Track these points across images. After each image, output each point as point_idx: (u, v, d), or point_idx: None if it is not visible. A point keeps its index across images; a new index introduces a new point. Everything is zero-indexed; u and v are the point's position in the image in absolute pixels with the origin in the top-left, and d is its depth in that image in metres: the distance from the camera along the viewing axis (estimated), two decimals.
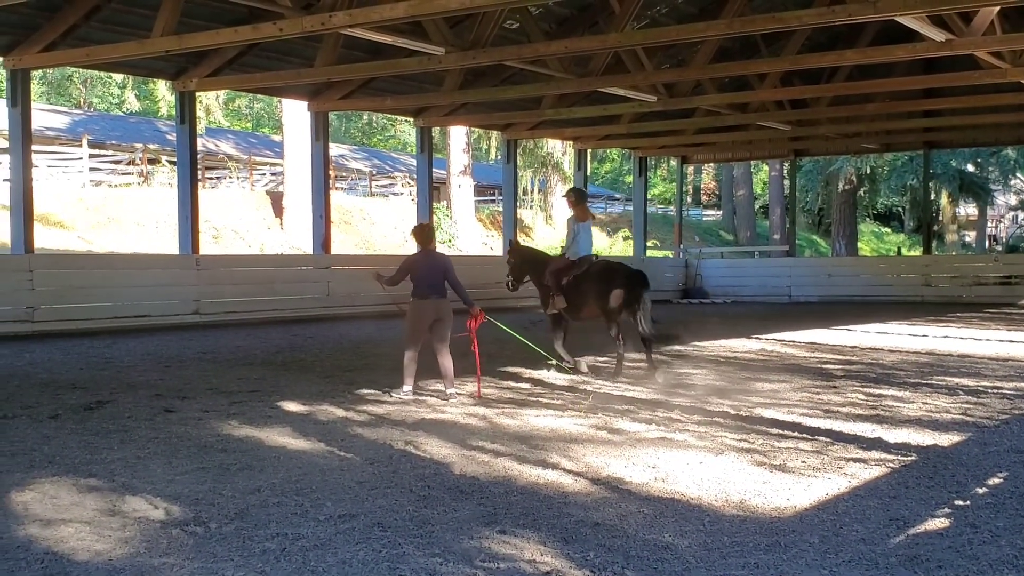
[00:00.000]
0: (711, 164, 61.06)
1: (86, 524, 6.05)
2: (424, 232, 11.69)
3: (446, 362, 11.21)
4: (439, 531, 5.99)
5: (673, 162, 43.10)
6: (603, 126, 29.70)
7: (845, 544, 5.73)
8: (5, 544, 5.65)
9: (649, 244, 39.20)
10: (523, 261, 13.80)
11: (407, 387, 11.08)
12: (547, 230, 51.61)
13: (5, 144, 26.70)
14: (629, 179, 56.61)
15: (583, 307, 13.36)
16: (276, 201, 39.11)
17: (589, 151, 36.90)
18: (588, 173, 37.83)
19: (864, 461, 7.90)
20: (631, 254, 37.25)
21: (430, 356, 11.34)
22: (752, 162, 57.52)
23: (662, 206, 70.21)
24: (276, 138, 54.17)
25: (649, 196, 44.04)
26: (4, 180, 30.47)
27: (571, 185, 44.16)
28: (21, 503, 6.51)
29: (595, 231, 48.91)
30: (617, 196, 72.63)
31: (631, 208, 42.04)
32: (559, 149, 49.71)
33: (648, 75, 21.12)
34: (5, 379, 12.25)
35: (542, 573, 5.24)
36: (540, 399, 11.09)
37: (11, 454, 7.94)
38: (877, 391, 11.76)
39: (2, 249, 25.05)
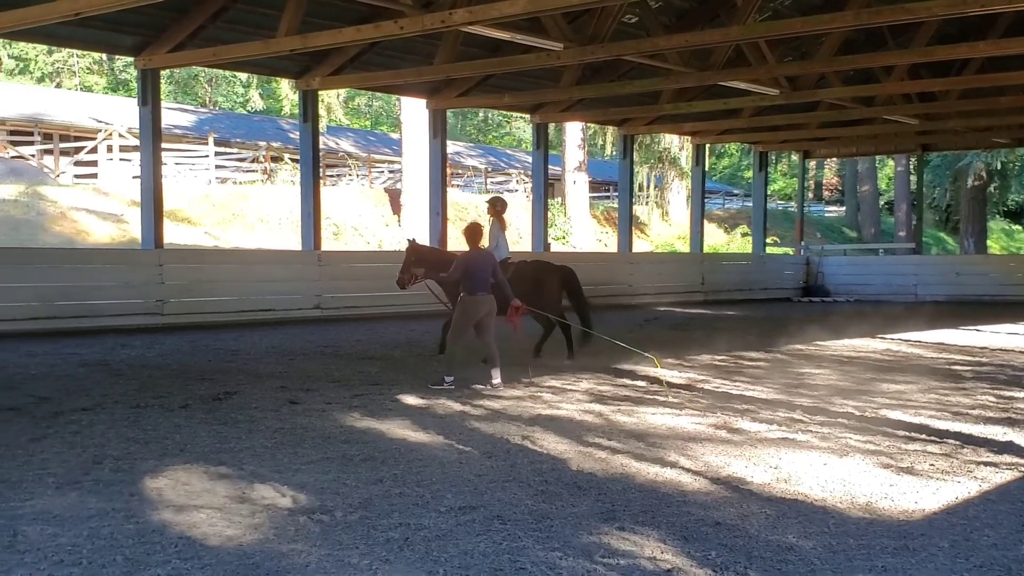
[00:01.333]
0: (834, 159, 59.78)
1: (217, 510, 6.24)
2: (476, 232, 11.91)
3: (495, 353, 11.64)
4: (558, 526, 6.01)
5: (794, 157, 42.34)
6: (722, 120, 29.32)
7: (976, 549, 5.58)
8: (141, 528, 5.87)
9: (768, 241, 38.61)
10: (421, 261, 13.40)
11: (452, 378, 11.42)
12: (663, 226, 51.20)
13: (136, 142, 27.60)
14: (748, 174, 55.82)
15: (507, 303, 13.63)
16: (394, 198, 39.62)
17: (707, 146, 36.53)
18: (706, 168, 37.44)
19: (995, 465, 7.68)
20: (750, 250, 36.78)
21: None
22: (877, 157, 56.18)
23: (782, 202, 69.06)
24: (394, 136, 54.91)
25: (769, 192, 43.38)
26: (135, 177, 31.55)
27: (687, 180, 43.68)
28: (155, 489, 6.75)
29: (712, 227, 48.46)
30: (735, 192, 71.73)
31: (750, 204, 41.46)
32: (676, 144, 49.25)
33: (770, 68, 20.79)
34: (138, 370, 12.69)
35: (663, 571, 5.23)
36: (656, 397, 11.02)
37: (144, 442, 8.23)
38: (1008, 393, 11.41)
39: (134, 244, 25.94)
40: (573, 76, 23.05)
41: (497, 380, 11.47)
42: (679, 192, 52.37)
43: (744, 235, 48.16)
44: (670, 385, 11.59)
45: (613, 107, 26.95)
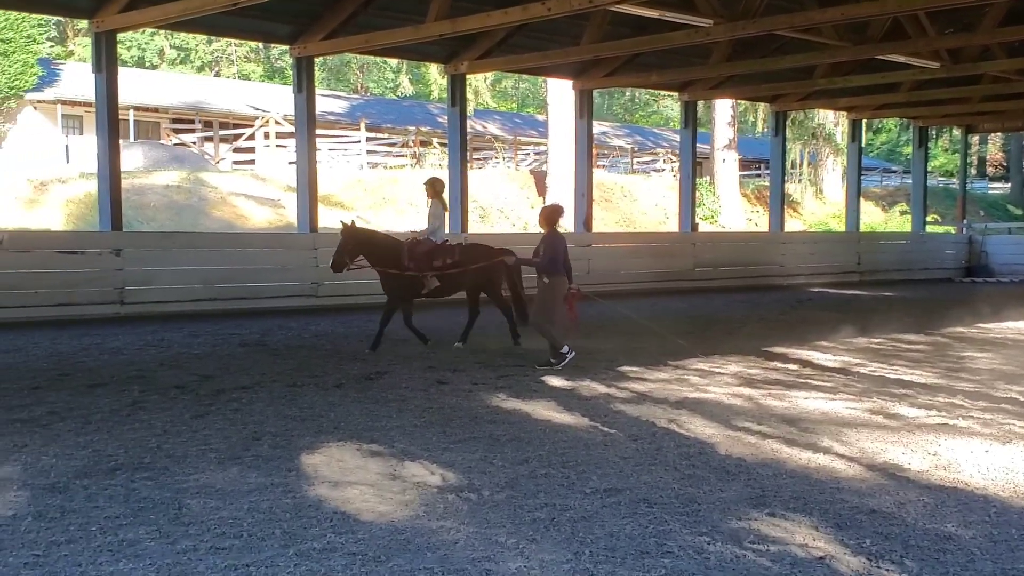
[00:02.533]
0: (998, 134, 57.35)
1: (369, 487, 6.41)
2: (557, 214, 11.93)
3: (553, 335, 11.61)
4: (706, 510, 5.97)
5: (956, 132, 40.81)
6: (880, 95, 28.40)
7: None
8: (298, 503, 6.07)
9: (928, 219, 37.34)
10: (358, 243, 12.93)
11: (566, 348, 11.45)
12: (816, 205, 50.01)
13: (291, 128, 28.33)
14: (907, 150, 54.09)
15: (459, 285, 13.39)
16: (539, 180, 39.74)
17: (864, 121, 35.47)
18: (863, 144, 36.39)
19: None
20: (909, 229, 35.64)
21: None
22: None
23: (943, 178, 66.67)
24: (540, 117, 55.03)
25: (929, 168, 41.84)
26: (291, 163, 32.44)
27: (843, 157, 42.57)
28: (311, 465, 6.97)
29: (868, 205, 47.11)
30: (894, 168, 69.56)
31: (909, 181, 40.16)
32: (831, 120, 47.98)
33: (930, 41, 20.06)
34: (294, 350, 13.08)
35: (815, 558, 5.15)
36: (809, 381, 10.82)
37: (301, 419, 8.50)
38: None
39: (290, 228, 26.69)
40: (723, 52, 22.68)
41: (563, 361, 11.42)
42: (834, 169, 51.05)
43: (903, 213, 46.69)
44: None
45: (765, 83, 26.41)
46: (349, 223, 13.03)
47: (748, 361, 12.20)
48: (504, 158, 47.68)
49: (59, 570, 4.94)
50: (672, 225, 37.37)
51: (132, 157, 35.46)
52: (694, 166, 27.18)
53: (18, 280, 15.69)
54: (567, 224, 32.42)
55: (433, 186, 13.54)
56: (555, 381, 10.60)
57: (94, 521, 5.67)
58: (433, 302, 14.30)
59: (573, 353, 11.42)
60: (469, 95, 30.69)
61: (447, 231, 14.31)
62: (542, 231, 11.87)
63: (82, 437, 7.70)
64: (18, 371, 10.95)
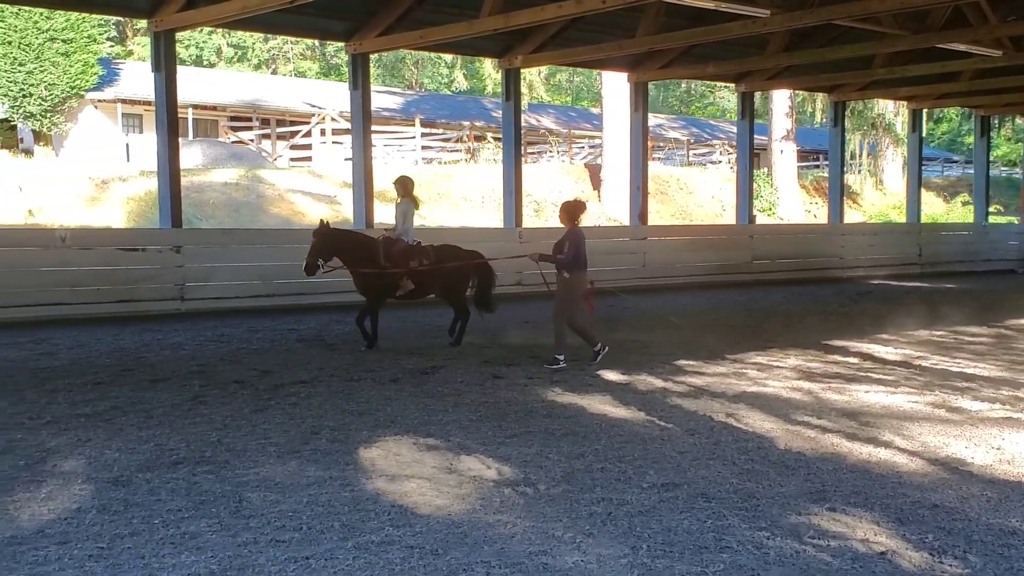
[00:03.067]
0: None
1: (426, 480, 6.44)
2: (579, 209, 11.70)
3: (574, 331, 11.54)
4: (765, 505, 5.93)
5: (1019, 120, 40.07)
6: (941, 84, 27.94)
7: None
8: (356, 496, 6.12)
9: (991, 210, 36.70)
10: (333, 245, 12.48)
11: (598, 346, 11.42)
12: (876, 196, 49.37)
13: (347, 125, 28.51)
14: (969, 139, 53.23)
15: (431, 288, 13.03)
16: (594, 173, 39.62)
17: (924, 111, 34.92)
18: (923, 134, 35.84)
19: None
20: (971, 220, 35.05)
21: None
22: None
23: (1006, 168, 65.41)
24: (595, 111, 54.87)
25: (992, 157, 41.10)
26: (346, 159, 32.65)
27: (903, 147, 42.00)
28: (368, 459, 7.02)
29: (929, 196, 46.43)
30: (955, 158, 68.43)
31: (971, 171, 39.48)
32: (891, 110, 47.33)
33: (992, 28, 19.68)
34: (351, 345, 13.15)
35: (876, 553, 5.09)
36: (870, 374, 10.69)
37: (358, 413, 8.56)
38: None
39: (345, 224, 26.87)
40: (780, 43, 22.44)
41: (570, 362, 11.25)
42: (894, 160, 50.33)
43: (965, 204, 45.96)
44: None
45: (823, 73, 26.08)
46: (323, 224, 12.61)
47: (807, 354, 12.09)
48: (558, 152, 47.61)
49: (123, 562, 5.02)
50: (729, 217, 37.08)
51: (191, 155, 35.92)
52: (751, 158, 26.93)
53: (80, 277, 15.94)
54: (623, 217, 32.34)
55: (403, 184, 13.14)
56: (611, 375, 10.58)
57: (157, 514, 5.76)
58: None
59: (565, 364, 11.16)
60: (523, 89, 30.66)
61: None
62: (563, 226, 11.61)
63: (144, 431, 7.82)
64: (81, 367, 11.13)
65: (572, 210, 11.57)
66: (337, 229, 13.14)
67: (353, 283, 12.96)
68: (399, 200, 13.23)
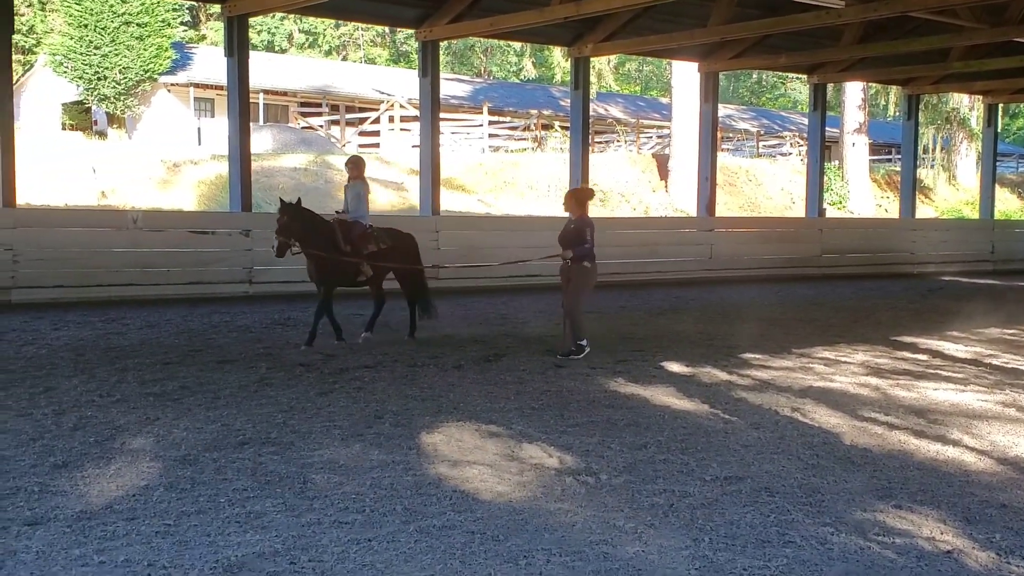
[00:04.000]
0: None
1: (488, 467, 6.46)
2: (589, 196, 11.59)
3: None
4: (829, 500, 5.87)
5: None
6: (1017, 79, 27.36)
7: None
8: (419, 480, 6.16)
9: None
10: (300, 224, 11.47)
11: (585, 341, 11.08)
12: (949, 191, 48.53)
13: (416, 112, 28.64)
14: None
15: (384, 274, 12.46)
16: (661, 164, 39.39)
17: (1000, 106, 34.22)
18: (999, 129, 35.11)
19: None
20: None
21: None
22: None
23: None
24: (664, 100, 54.52)
25: None
26: (414, 146, 32.80)
27: (977, 142, 41.17)
28: (431, 444, 7.05)
29: (1004, 192, 45.56)
30: None
31: None
32: (966, 104, 46.47)
33: None
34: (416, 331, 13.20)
35: (942, 552, 5.02)
36: (939, 371, 10.52)
37: (421, 399, 8.60)
38: None
39: (412, 211, 27.01)
40: (854, 34, 22.12)
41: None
42: (967, 155, 49.41)
43: None
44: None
45: (897, 66, 25.69)
46: (297, 202, 11.60)
47: (876, 350, 11.93)
48: (626, 141, 47.40)
49: (189, 539, 5.10)
50: (798, 210, 36.67)
51: (261, 140, 36.31)
52: (822, 150, 26.60)
53: (151, 258, 16.22)
54: (690, 208, 32.13)
55: (356, 165, 12.49)
56: (675, 367, 10.52)
57: (223, 493, 5.84)
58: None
59: (588, 348, 11.01)
60: (592, 78, 30.58)
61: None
62: (576, 215, 11.15)
63: (212, 412, 7.93)
64: (151, 347, 11.33)
65: (583, 197, 11.42)
66: (306, 209, 11.83)
67: (307, 270, 11.86)
68: (349, 181, 12.46)
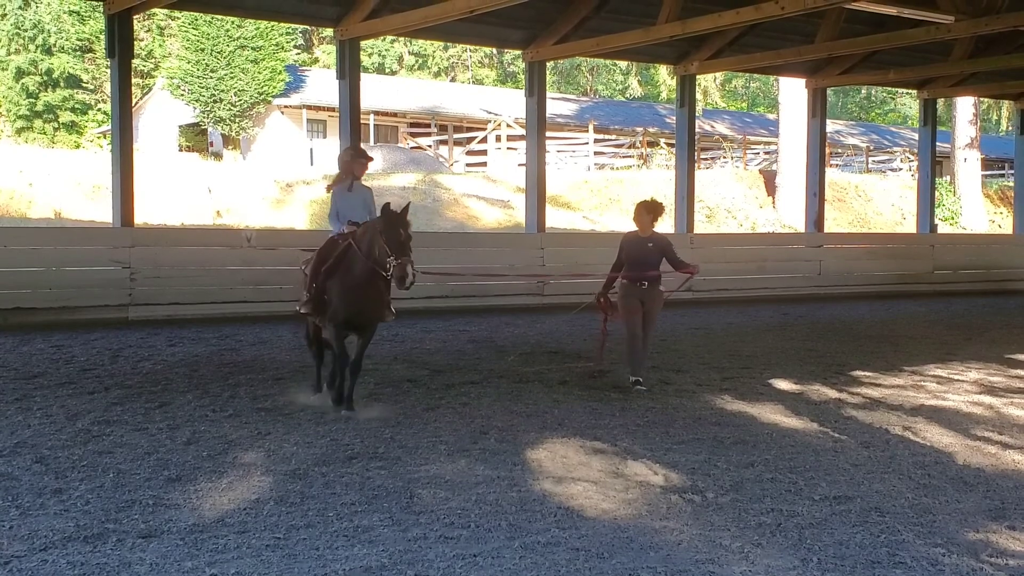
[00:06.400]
0: None
1: (592, 484, 6.49)
2: (663, 212, 10.60)
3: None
4: (941, 521, 5.76)
5: None
6: None
7: None
8: (523, 496, 6.21)
9: None
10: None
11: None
12: None
13: (522, 131, 28.84)
14: None
15: None
16: (768, 180, 38.96)
17: None
18: None
19: None
20: None
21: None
22: None
23: None
24: (771, 116, 53.94)
25: None
26: (520, 165, 33.02)
27: None
28: (535, 460, 7.11)
29: None
30: None
31: None
32: None
33: None
34: (520, 347, 13.31)
35: None
36: None
37: (526, 415, 8.66)
38: None
39: (518, 228, 27.19)
40: (965, 49, 21.65)
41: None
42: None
43: None
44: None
45: (1009, 80, 25.02)
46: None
47: (990, 368, 11.64)
48: (732, 158, 47.01)
49: (298, 552, 5.23)
50: (909, 226, 35.89)
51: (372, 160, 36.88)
52: (933, 165, 26.04)
53: (265, 276, 16.57)
54: (798, 224, 31.70)
55: (365, 164, 9.97)
56: (782, 384, 10.41)
57: (331, 507, 5.97)
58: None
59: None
60: (698, 95, 30.40)
61: None
62: (648, 232, 10.38)
63: (321, 427, 8.10)
64: (263, 362, 11.60)
65: (658, 212, 10.48)
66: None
67: (348, 305, 8.91)
68: (355, 182, 9.74)
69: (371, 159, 10.20)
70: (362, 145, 16.88)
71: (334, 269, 8.98)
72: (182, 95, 40.59)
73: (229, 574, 4.94)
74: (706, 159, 47.15)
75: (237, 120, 40.66)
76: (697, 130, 28.33)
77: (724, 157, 47.40)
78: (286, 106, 42.62)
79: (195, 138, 44.00)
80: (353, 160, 9.80)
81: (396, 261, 8.34)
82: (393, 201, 8.87)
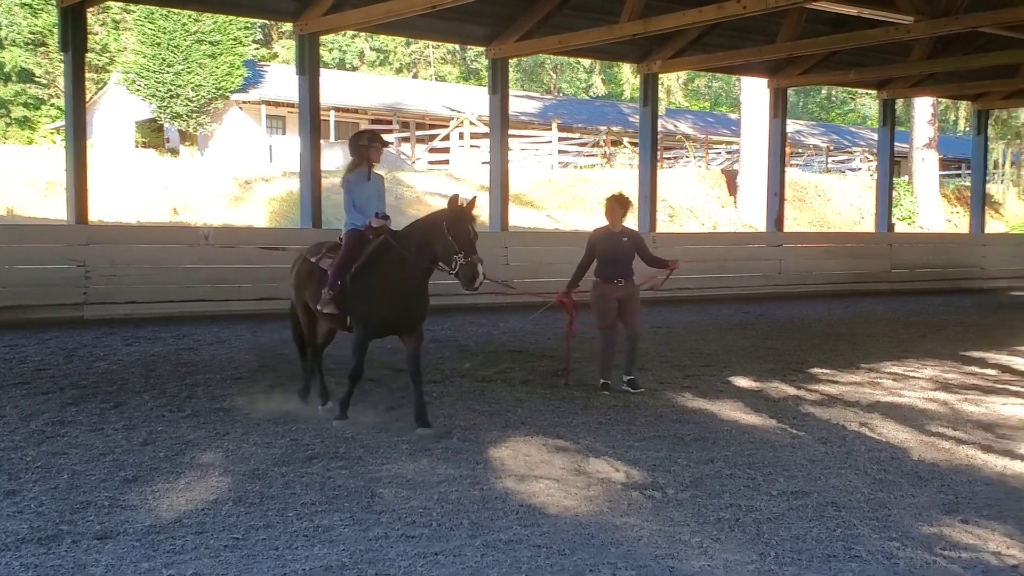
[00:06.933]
0: None
1: (555, 481, 6.52)
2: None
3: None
4: (896, 515, 5.84)
5: None
6: None
7: None
8: (486, 495, 6.23)
9: None
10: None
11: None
12: (1019, 206, 47.75)
13: (485, 129, 28.83)
14: None
15: None
16: (730, 179, 39.22)
17: None
18: None
19: None
20: None
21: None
22: None
23: None
24: (733, 116, 54.24)
25: None
26: (484, 163, 33.00)
27: None
28: (498, 458, 7.13)
29: None
30: None
31: None
32: None
33: None
34: (483, 346, 13.33)
35: (1008, 567, 4.99)
36: (1008, 387, 10.40)
37: (489, 414, 8.68)
38: None
39: (481, 227, 27.17)
40: (924, 50, 21.90)
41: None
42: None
43: None
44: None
45: (967, 81, 25.36)
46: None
47: (945, 365, 11.80)
48: (695, 157, 47.25)
49: (257, 553, 5.21)
50: (868, 225, 36.27)
51: (332, 156, 36.70)
52: (892, 165, 26.34)
53: (222, 274, 16.46)
54: (759, 224, 31.93)
55: (380, 149, 9.29)
56: (742, 382, 10.50)
57: (291, 507, 5.95)
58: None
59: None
60: (661, 94, 30.53)
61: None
62: (619, 227, 10.23)
63: (281, 427, 8.06)
64: (221, 362, 11.53)
65: (628, 206, 10.37)
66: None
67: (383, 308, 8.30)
68: (372, 169, 9.14)
69: (387, 144, 9.38)
70: (321, 142, 16.86)
71: (370, 266, 8.29)
72: (138, 90, 40.14)
73: (187, 575, 4.91)
74: (669, 158, 47.33)
75: (194, 116, 40.27)
76: (660, 129, 28.42)
77: (687, 156, 47.62)
78: (244, 102, 42.30)
79: (151, 134, 43.53)
80: (370, 145, 9.05)
81: (465, 259, 7.82)
82: (460, 194, 8.44)
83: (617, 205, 10.19)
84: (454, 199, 8.06)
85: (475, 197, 8.41)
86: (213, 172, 33.38)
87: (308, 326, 9.15)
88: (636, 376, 10.13)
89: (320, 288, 8.59)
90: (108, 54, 51.74)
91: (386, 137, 39.77)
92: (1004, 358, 12.50)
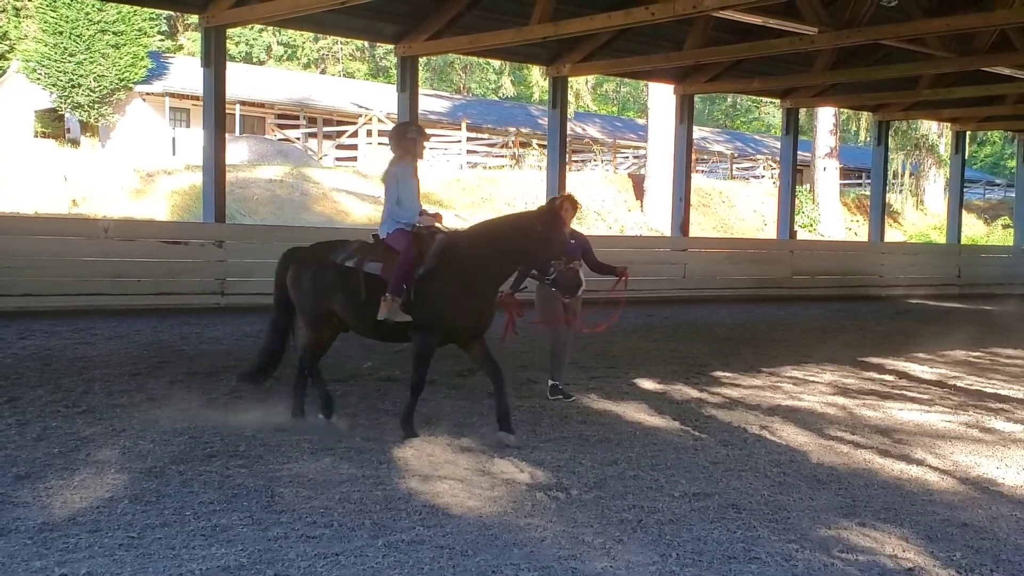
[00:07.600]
0: None
1: (459, 481, 6.48)
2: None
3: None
4: (795, 518, 5.93)
5: None
6: (985, 107, 27.74)
7: None
8: (389, 495, 6.17)
9: None
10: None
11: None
12: (918, 216, 49.13)
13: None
14: (1011, 163, 52.59)
15: None
16: (637, 183, 39.62)
17: (968, 133, 34.65)
18: (966, 156, 35.53)
19: None
20: (1011, 243, 34.71)
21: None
22: None
23: None
24: (640, 121, 54.82)
25: None
26: None
27: (945, 168, 41.58)
28: (402, 458, 7.07)
29: (970, 218, 46.14)
30: (997, 182, 67.72)
31: (1012, 195, 39.11)
32: (935, 131, 47.07)
33: None
34: (389, 345, 13.16)
35: (904, 569, 5.09)
36: (905, 392, 10.64)
37: (393, 414, 8.58)
38: None
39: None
40: (827, 61, 22.39)
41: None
42: (936, 181, 50.03)
43: (1005, 227, 45.54)
44: None
45: (868, 92, 26.01)
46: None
47: (843, 370, 12.04)
48: (603, 161, 47.61)
49: (153, 552, 5.08)
50: (770, 232, 36.96)
51: (237, 151, 36.23)
52: (794, 173, 26.87)
53: (122, 268, 16.11)
54: (664, 228, 32.29)
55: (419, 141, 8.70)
56: (647, 384, 10.59)
57: (188, 506, 5.83)
58: None
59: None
60: (570, 98, 30.69)
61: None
62: (568, 229, 9.72)
63: (179, 424, 7.89)
64: (119, 357, 11.26)
65: (579, 207, 9.98)
66: None
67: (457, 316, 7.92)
68: (413, 166, 8.65)
69: (429, 137, 8.96)
70: (226, 136, 16.56)
71: (439, 270, 7.65)
72: (38, 79, 39.05)
73: (80, 574, 4.78)
74: (577, 161, 47.63)
75: (96, 106, 39.32)
76: (569, 132, 28.59)
77: (595, 160, 47.98)
78: (148, 93, 41.44)
79: (52, 124, 42.40)
80: (418, 138, 8.53)
81: (566, 266, 7.44)
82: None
83: (571, 205, 9.64)
84: (552, 201, 7.73)
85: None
86: (114, 164, 32.66)
87: (318, 336, 8.42)
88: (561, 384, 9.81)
89: (373, 295, 7.78)
90: (8, 41, 50.24)
91: (292, 133, 39.13)
92: (901, 364, 12.81)
